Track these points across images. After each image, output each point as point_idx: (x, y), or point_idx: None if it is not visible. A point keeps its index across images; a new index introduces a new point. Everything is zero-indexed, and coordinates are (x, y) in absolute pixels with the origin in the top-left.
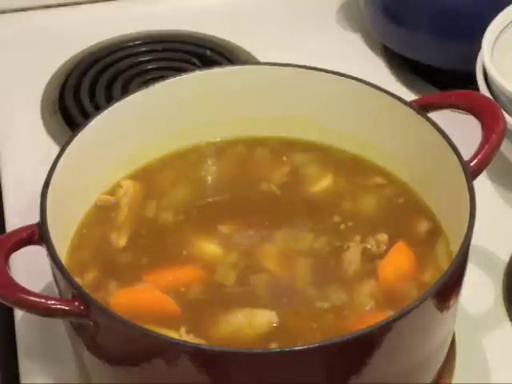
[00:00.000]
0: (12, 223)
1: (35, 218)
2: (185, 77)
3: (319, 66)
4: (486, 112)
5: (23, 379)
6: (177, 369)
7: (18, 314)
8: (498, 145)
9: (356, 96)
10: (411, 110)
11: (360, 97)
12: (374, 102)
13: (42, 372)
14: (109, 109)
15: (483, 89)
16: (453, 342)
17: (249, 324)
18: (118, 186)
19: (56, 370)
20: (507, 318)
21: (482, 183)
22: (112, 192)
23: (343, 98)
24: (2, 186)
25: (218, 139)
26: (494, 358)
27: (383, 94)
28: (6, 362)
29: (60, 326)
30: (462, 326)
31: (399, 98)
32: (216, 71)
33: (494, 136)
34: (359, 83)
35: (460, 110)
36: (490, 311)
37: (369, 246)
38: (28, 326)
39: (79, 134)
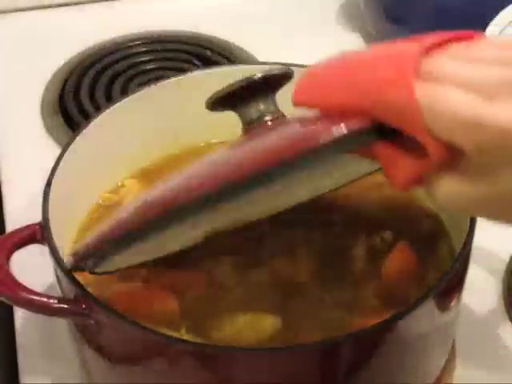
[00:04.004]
0: (12, 223)
1: (35, 218)
2: (185, 77)
3: None
4: None
5: (23, 379)
6: (178, 368)
7: (18, 313)
8: None
9: None
10: None
11: None
12: None
13: (41, 372)
14: (111, 108)
15: None
16: (453, 342)
17: (251, 327)
18: (122, 185)
19: (56, 370)
20: (507, 318)
21: None
22: (115, 191)
23: None
24: (2, 185)
25: (219, 139)
26: (494, 358)
27: None
28: (5, 362)
29: (60, 325)
30: (462, 326)
31: None
32: (216, 71)
33: None
34: None
35: None
36: (490, 311)
37: (372, 246)
38: (28, 326)
39: (82, 133)
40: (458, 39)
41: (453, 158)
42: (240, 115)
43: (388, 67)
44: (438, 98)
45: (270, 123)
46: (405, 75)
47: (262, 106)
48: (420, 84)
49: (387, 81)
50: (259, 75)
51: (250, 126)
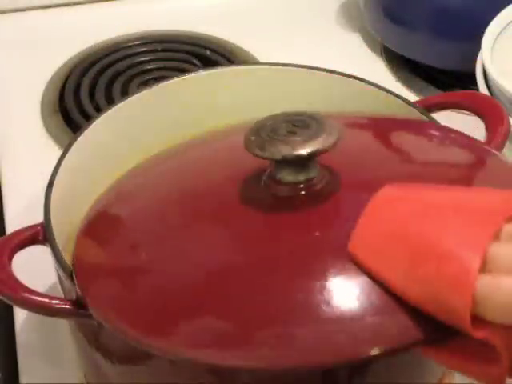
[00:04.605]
0: (12, 223)
1: (35, 218)
2: (186, 77)
3: (319, 66)
4: (489, 113)
5: (23, 379)
6: (180, 368)
7: (18, 313)
8: (502, 146)
9: (358, 96)
10: (415, 111)
11: (363, 97)
12: (377, 102)
13: (41, 372)
14: (112, 109)
15: (483, 89)
16: None
17: None
18: None
19: (56, 370)
20: None
21: None
22: None
23: (345, 98)
24: (2, 185)
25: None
26: None
27: (386, 94)
28: (5, 362)
29: (60, 326)
30: None
31: (403, 99)
32: (219, 71)
33: (497, 137)
34: (362, 83)
35: (463, 111)
36: None
37: None
38: (28, 326)
39: (83, 134)
40: None
41: None
42: (275, 171)
43: (452, 259)
44: (496, 292)
45: (303, 194)
46: (468, 279)
47: (301, 178)
48: (482, 279)
49: (448, 279)
50: (306, 152)
51: (282, 190)
